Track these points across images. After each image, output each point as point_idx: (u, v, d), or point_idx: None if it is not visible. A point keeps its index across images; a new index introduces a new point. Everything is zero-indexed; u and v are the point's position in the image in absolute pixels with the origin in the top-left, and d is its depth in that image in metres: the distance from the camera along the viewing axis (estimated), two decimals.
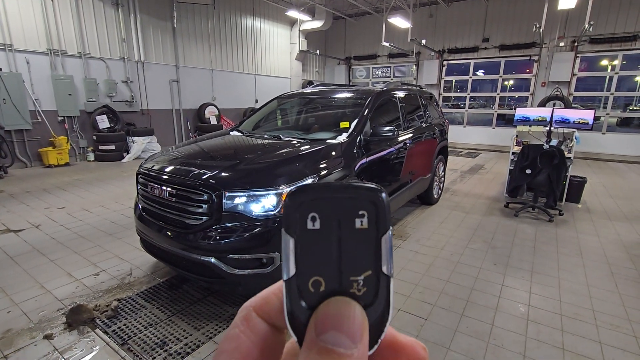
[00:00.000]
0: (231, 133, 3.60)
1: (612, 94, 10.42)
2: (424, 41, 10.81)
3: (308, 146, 2.83)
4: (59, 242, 3.73)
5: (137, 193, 2.81)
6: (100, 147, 8.39)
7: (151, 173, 2.60)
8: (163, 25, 9.66)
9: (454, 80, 13.33)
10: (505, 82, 12.30)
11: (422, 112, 4.62)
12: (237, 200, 2.26)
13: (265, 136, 3.27)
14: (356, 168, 2.94)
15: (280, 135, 3.22)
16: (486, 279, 3.06)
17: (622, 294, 2.86)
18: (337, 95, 3.88)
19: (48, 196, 5.40)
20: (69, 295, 2.74)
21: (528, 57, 11.47)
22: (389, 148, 3.50)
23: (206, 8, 10.53)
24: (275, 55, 13.43)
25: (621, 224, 4.47)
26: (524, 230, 4.21)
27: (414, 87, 4.86)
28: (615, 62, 10.32)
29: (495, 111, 12.47)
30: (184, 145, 3.18)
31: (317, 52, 13.76)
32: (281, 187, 2.28)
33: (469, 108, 12.96)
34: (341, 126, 3.25)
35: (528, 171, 4.49)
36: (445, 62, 13.05)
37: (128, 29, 8.90)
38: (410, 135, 4.04)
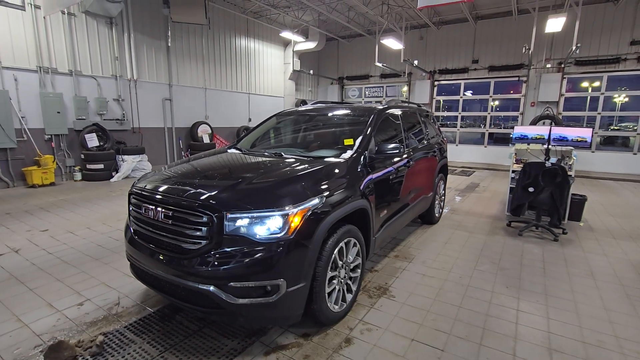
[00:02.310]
0: (229, 151, 3.45)
1: (599, 113, 10.68)
2: (415, 62, 11.01)
3: (313, 164, 2.69)
4: (40, 269, 3.45)
5: (129, 215, 2.61)
6: (89, 166, 8.11)
7: (144, 193, 2.41)
8: (157, 44, 9.63)
9: (441, 100, 13.56)
10: (494, 102, 12.54)
11: (421, 130, 4.56)
12: (240, 222, 2.08)
13: (266, 154, 3.13)
14: (361, 187, 2.80)
15: (282, 153, 3.08)
16: (500, 304, 2.90)
17: None
18: (338, 113, 3.79)
19: (30, 218, 5.10)
20: (49, 330, 2.47)
21: (517, 78, 11.77)
22: (392, 166, 3.39)
23: (201, 28, 10.58)
24: (268, 75, 13.51)
25: (626, 243, 4.40)
26: (530, 251, 4.09)
27: (414, 105, 4.83)
28: (597, 84, 10.64)
29: (487, 130, 12.65)
30: (179, 163, 3.01)
31: (311, 72, 13.90)
32: (287, 208, 2.12)
33: (460, 127, 13.14)
34: (345, 143, 3.13)
35: (531, 189, 4.43)
36: (436, 83, 13.30)
37: (121, 48, 8.83)
38: (412, 153, 3.95)
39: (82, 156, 8.10)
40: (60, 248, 4.00)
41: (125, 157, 8.58)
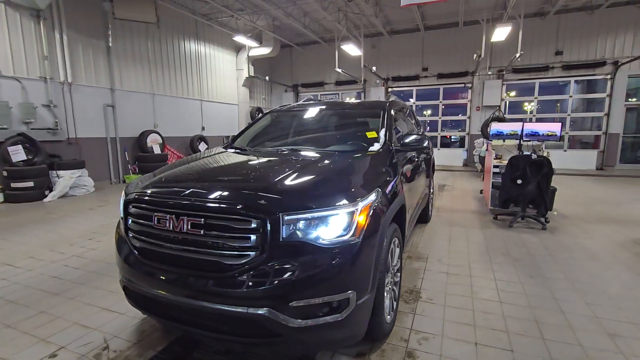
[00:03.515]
0: (228, 150, 2.97)
1: (534, 115, 11.90)
2: (374, 68, 11.25)
3: (348, 158, 2.38)
4: None
5: (126, 229, 2.02)
6: (13, 185, 6.72)
7: (156, 199, 1.88)
8: (95, 43, 8.49)
9: None
10: (442, 107, 13.34)
11: (417, 123, 4.50)
12: (299, 225, 1.68)
13: (284, 150, 2.73)
14: (396, 181, 2.55)
15: (299, 149, 2.72)
16: (535, 294, 2.83)
17: None
18: (342, 107, 3.53)
19: None
20: None
21: (463, 85, 12.66)
22: (411, 159, 3.21)
23: (146, 28, 9.62)
24: (221, 81, 12.79)
25: (602, 227, 4.76)
26: (529, 240, 4.19)
27: (400, 101, 4.76)
28: (531, 89, 11.92)
29: (439, 134, 13.37)
30: (176, 166, 2.46)
31: (267, 78, 13.47)
32: (352, 204, 1.76)
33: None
34: (368, 136, 2.87)
35: (519, 182, 4.58)
36: (390, 89, 13.76)
37: (52, 46, 7.59)
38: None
39: (5, 173, 6.69)
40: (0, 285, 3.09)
41: (61, 172, 7.29)
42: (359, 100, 3.82)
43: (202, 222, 1.71)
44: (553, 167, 4.48)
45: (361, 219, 1.79)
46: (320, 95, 15.18)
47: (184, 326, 1.85)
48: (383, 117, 3.08)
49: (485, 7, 10.19)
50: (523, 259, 3.61)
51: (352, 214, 1.75)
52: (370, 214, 1.85)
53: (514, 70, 11.66)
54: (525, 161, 4.53)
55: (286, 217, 1.66)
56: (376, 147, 2.67)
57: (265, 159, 2.53)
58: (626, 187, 8.10)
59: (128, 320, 2.48)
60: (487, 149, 6.18)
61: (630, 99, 10.91)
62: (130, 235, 1.99)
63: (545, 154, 5.04)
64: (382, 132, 2.86)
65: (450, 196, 7.07)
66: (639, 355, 2.07)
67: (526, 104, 12.35)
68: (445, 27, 12.26)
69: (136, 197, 1.97)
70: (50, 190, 7.13)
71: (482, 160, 9.93)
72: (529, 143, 5.66)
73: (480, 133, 10.99)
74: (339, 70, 11.24)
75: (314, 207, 1.70)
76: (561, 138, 5.44)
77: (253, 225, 1.66)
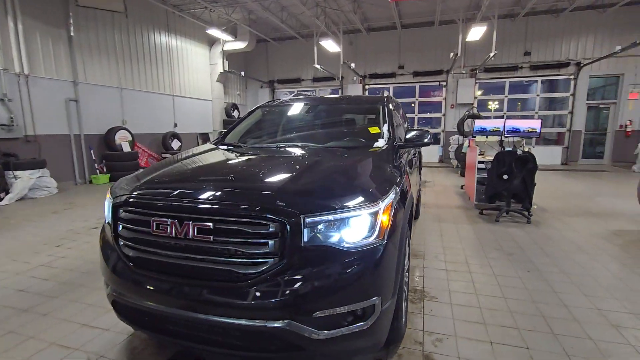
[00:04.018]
0: (221, 147, 2.74)
1: (505, 113, 12.37)
2: (352, 65, 11.20)
3: (357, 154, 2.26)
4: None
5: (115, 236, 1.78)
6: None
7: (154, 201, 1.66)
8: (55, 32, 7.81)
9: None
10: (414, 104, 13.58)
11: (403, 120, 4.46)
12: (322, 227, 1.53)
13: (285, 147, 2.55)
14: (404, 178, 2.46)
15: (302, 146, 2.56)
16: (536, 288, 2.86)
17: None
18: (339, 103, 3.40)
19: None
20: None
21: (438, 83, 12.93)
22: (412, 156, 3.14)
23: (112, 17, 8.98)
24: (194, 76, 12.26)
25: (581, 220, 4.96)
26: (517, 234, 4.28)
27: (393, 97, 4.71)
28: (502, 88, 12.39)
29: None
30: (169, 165, 2.21)
31: (243, 73, 13.06)
32: (374, 203, 1.63)
33: None
34: (371, 131, 2.76)
35: (505, 177, 4.67)
36: (367, 86, 13.80)
37: (5, 33, 6.88)
38: None
39: None
40: None
41: (18, 172, 6.64)
42: (355, 95, 3.70)
43: (212, 227, 1.52)
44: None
45: (384, 219, 1.66)
46: (297, 92, 14.96)
47: (188, 342, 1.65)
48: (383, 112, 2.98)
49: (461, 7, 10.42)
50: (516, 253, 3.66)
51: (375, 214, 1.62)
52: (392, 213, 1.74)
53: (486, 69, 12.05)
54: (511, 157, 4.63)
55: (308, 220, 1.50)
56: (381, 143, 2.57)
57: (267, 156, 2.35)
58: (591, 180, 8.59)
59: (114, 337, 2.23)
60: (469, 145, 6.29)
61: (590, 99, 11.62)
62: (121, 243, 1.75)
63: (526, 150, 5.18)
64: (385, 128, 2.76)
65: (433, 192, 7.16)
66: None
67: (490, 102, 12.83)
68: (422, 25, 12.44)
69: (128, 199, 1.74)
70: (7, 193, 6.46)
71: (458, 156, 10.18)
72: (510, 139, 5.81)
73: (455, 130, 11.26)
74: (318, 67, 11.09)
75: (336, 207, 1.56)
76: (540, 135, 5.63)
77: (271, 229, 1.49)
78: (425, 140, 2.79)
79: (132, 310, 1.75)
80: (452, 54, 9.79)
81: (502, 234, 4.30)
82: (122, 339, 2.20)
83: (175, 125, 11.48)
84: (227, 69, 12.87)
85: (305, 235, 1.50)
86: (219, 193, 1.62)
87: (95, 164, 8.76)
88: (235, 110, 14.03)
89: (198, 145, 12.55)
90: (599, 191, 7.15)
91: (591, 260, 3.47)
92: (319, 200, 1.58)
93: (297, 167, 1.93)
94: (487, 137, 5.82)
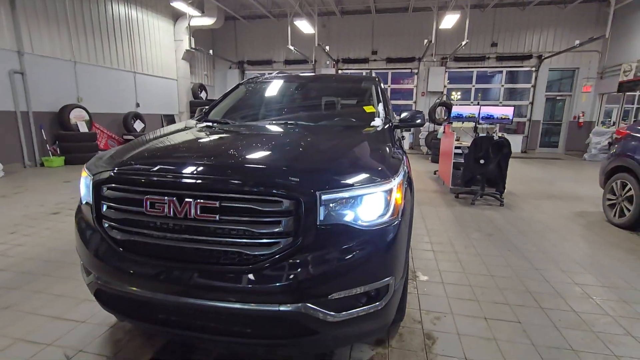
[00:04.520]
0: (207, 124, 2.53)
1: (472, 102, 12.82)
2: (327, 47, 10.99)
3: (363, 132, 2.17)
4: None
5: (98, 217, 1.57)
6: None
7: (147, 177, 1.46)
8: None
9: None
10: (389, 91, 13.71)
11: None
12: (338, 205, 1.44)
13: (280, 123, 2.40)
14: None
15: (297, 123, 2.42)
16: (519, 266, 2.98)
17: (616, 258, 3.20)
18: (329, 81, 3.28)
19: None
20: None
21: (410, 70, 13.08)
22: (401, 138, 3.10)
23: None
24: (157, 52, 11.44)
25: (547, 202, 5.27)
26: (493, 216, 4.46)
27: None
28: (470, 77, 12.80)
29: None
30: (152, 140, 1.97)
31: (211, 52, 12.38)
32: (388, 180, 1.56)
33: None
34: (367, 110, 2.67)
35: (482, 161, 4.82)
36: (339, 71, 13.66)
37: None
38: None
39: None
40: None
41: None
42: (346, 74, 3.57)
43: (218, 206, 1.37)
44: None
45: (398, 197, 1.60)
46: (268, 74, 14.49)
47: (187, 332, 1.51)
48: (377, 92, 2.91)
49: None
50: (495, 233, 3.81)
51: (390, 191, 1.55)
52: (404, 191, 1.68)
53: (456, 58, 12.36)
54: (488, 142, 4.77)
55: (324, 197, 1.40)
56: (378, 122, 2.49)
57: (267, 133, 2.19)
58: (549, 167, 9.19)
59: (92, 329, 2.02)
60: (444, 132, 6.43)
61: (548, 91, 12.34)
62: (106, 225, 1.55)
63: (499, 136, 5.37)
64: (381, 107, 2.69)
65: None
66: (621, 315, 2.27)
67: (454, 93, 13.25)
68: (396, 11, 12.43)
69: (114, 175, 1.52)
70: None
71: (429, 143, 10.44)
72: (483, 126, 6.00)
73: (427, 117, 11.51)
74: (292, 48, 10.76)
75: (353, 184, 1.46)
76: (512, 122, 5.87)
77: (284, 207, 1.37)
78: (418, 121, 2.76)
79: (121, 299, 1.57)
80: (426, 40, 9.90)
81: (480, 216, 4.46)
82: (103, 332, 1.99)
83: (138, 105, 10.71)
84: (193, 46, 12.13)
85: (321, 213, 1.40)
86: (226, 168, 1.46)
87: (48, 145, 7.97)
88: (203, 92, 13.35)
89: (162, 127, 11.85)
90: (558, 177, 7.66)
91: (562, 239, 3.69)
92: (334, 176, 1.47)
93: (303, 144, 1.81)
94: (462, 123, 5.96)
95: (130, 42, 10.29)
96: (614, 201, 4.16)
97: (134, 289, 1.47)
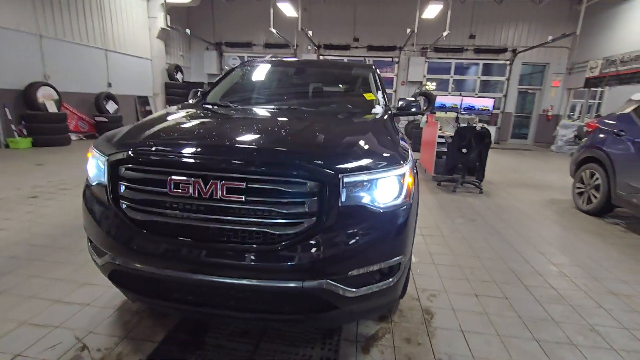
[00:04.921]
0: (208, 106, 2.50)
1: (449, 93, 13.18)
2: (310, 32, 10.85)
3: (369, 119, 2.24)
4: None
5: (116, 198, 1.55)
6: None
7: (171, 157, 1.47)
8: None
9: None
10: None
11: None
12: (358, 188, 1.51)
13: (285, 108, 2.42)
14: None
15: (301, 108, 2.45)
16: (502, 248, 3.21)
17: (585, 241, 3.52)
18: (327, 67, 3.31)
19: None
20: None
21: (391, 59, 13.20)
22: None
23: None
24: (130, 29, 10.84)
25: (522, 190, 5.62)
26: (474, 203, 4.71)
27: None
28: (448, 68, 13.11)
29: None
30: (161, 121, 1.95)
31: (188, 31, 11.87)
32: (401, 165, 1.64)
33: None
34: (367, 98, 2.73)
35: (464, 150, 5.05)
36: (321, 57, 13.56)
37: None
38: None
39: None
40: None
41: None
42: (342, 61, 3.59)
43: (244, 187, 1.40)
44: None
45: (410, 181, 1.70)
46: (247, 57, 14.15)
47: (209, 309, 1.55)
48: (374, 79, 2.97)
49: None
50: (477, 219, 4.05)
51: (403, 176, 1.64)
52: (414, 175, 1.78)
53: (436, 49, 12.59)
54: (471, 132, 4.99)
55: (346, 179, 1.47)
56: (378, 110, 2.56)
57: (279, 117, 2.20)
58: (521, 158, 9.71)
59: (98, 312, 2.00)
60: (427, 121, 6.63)
61: (520, 84, 12.90)
62: (124, 206, 1.54)
63: (481, 127, 5.62)
64: (380, 95, 2.76)
65: None
66: (595, 290, 2.53)
67: (428, 83, 13.56)
68: None
69: (133, 155, 1.51)
70: None
71: (408, 132, 10.67)
72: (465, 116, 6.24)
73: None
74: (274, 31, 10.53)
75: (372, 168, 1.54)
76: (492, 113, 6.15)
77: (309, 188, 1.43)
78: (414, 110, 2.86)
79: (140, 279, 1.58)
80: (409, 29, 10.00)
81: (462, 202, 4.71)
82: (109, 314, 1.99)
83: (110, 84, 10.17)
84: (169, 24, 11.58)
85: (343, 195, 1.47)
86: (253, 150, 1.49)
87: (12, 125, 7.45)
88: (179, 73, 12.86)
89: (137, 109, 11.33)
90: (529, 167, 8.13)
91: (537, 224, 3.98)
92: (356, 160, 1.54)
93: (317, 129, 1.85)
94: (445, 113, 6.17)
95: (100, 16, 9.68)
96: (583, 189, 4.51)
97: (156, 268, 1.49)
